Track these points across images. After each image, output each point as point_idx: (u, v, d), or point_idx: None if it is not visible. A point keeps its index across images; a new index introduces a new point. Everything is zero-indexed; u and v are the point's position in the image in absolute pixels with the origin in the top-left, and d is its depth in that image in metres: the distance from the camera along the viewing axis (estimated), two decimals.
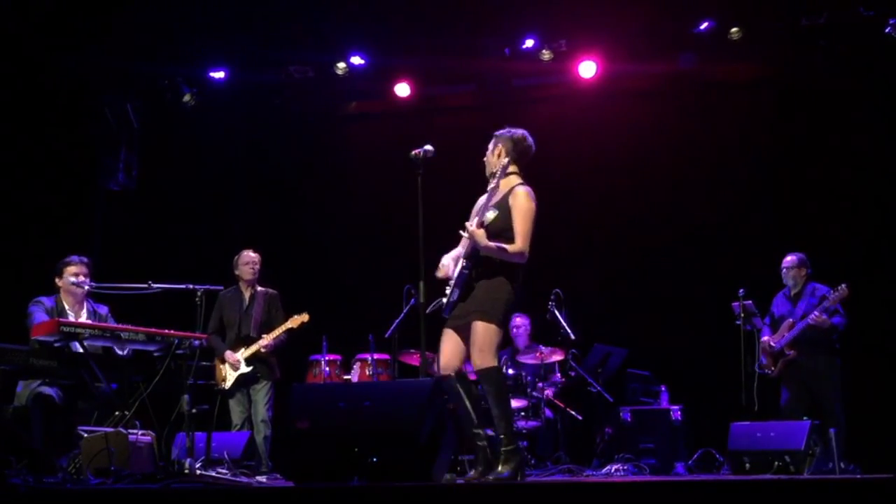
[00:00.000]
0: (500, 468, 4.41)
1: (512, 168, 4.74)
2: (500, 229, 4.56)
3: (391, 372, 6.93)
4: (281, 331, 6.77)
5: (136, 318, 5.81)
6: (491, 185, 4.73)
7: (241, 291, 6.92)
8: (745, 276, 7.03)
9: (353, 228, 8.77)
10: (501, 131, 4.83)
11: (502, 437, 4.46)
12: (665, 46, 8.20)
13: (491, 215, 4.58)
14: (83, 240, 7.98)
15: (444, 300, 4.61)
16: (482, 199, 4.78)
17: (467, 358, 4.58)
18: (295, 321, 6.80)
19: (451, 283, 4.59)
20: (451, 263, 4.67)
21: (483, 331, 4.49)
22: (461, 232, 4.56)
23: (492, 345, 4.50)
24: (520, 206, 4.60)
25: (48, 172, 7.93)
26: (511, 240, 4.56)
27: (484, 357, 4.48)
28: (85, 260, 5.87)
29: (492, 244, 4.51)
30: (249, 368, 6.71)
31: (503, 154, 4.75)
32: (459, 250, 4.71)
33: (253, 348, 6.70)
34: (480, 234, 4.50)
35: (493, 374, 4.51)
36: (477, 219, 4.55)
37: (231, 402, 6.74)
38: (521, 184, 4.67)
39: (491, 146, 4.82)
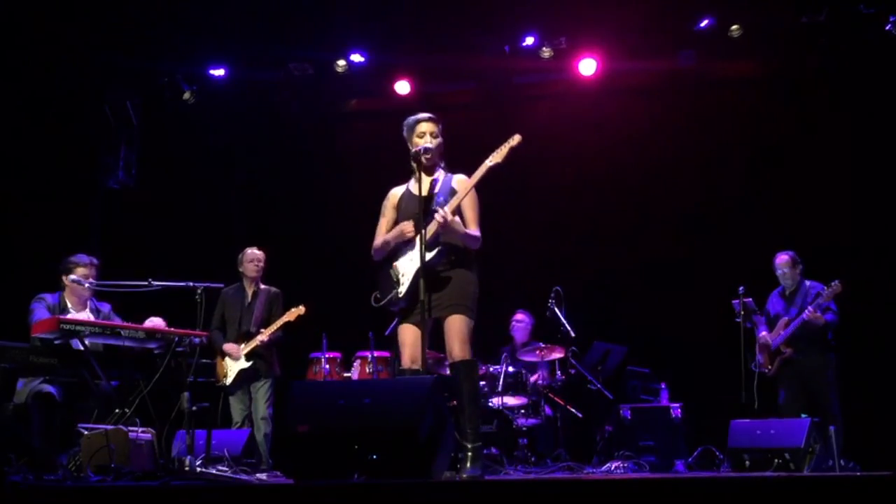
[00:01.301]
0: (469, 465, 4.43)
1: None
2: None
3: (391, 369, 6.94)
4: (278, 325, 6.82)
5: (136, 316, 5.82)
6: (427, 173, 4.71)
7: (244, 288, 6.97)
8: (745, 274, 7.03)
9: (352, 226, 8.74)
10: (433, 115, 4.82)
11: (471, 431, 4.47)
12: (665, 44, 8.20)
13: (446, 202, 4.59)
14: (83, 237, 7.98)
15: (398, 291, 4.60)
16: (399, 191, 4.78)
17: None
18: (292, 314, 6.86)
19: (407, 275, 4.58)
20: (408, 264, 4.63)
21: (463, 324, 4.55)
22: (437, 218, 4.48)
23: (470, 337, 4.57)
24: (470, 193, 4.64)
25: (48, 170, 7.93)
26: (464, 226, 4.60)
27: (465, 349, 4.54)
28: (95, 262, 5.88)
29: (464, 230, 4.56)
30: (249, 364, 6.74)
31: (440, 140, 4.78)
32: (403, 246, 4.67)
33: (252, 343, 6.74)
34: (457, 221, 4.54)
35: (473, 367, 4.60)
36: (448, 207, 4.52)
37: (232, 400, 6.77)
38: (458, 169, 4.74)
39: (435, 131, 4.78)
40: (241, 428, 6.66)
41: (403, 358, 4.63)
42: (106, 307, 5.96)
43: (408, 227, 4.63)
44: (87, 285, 5.77)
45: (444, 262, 4.57)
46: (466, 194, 4.60)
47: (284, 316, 6.85)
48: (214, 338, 6.74)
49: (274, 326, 6.80)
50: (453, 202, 4.56)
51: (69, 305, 5.78)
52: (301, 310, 6.87)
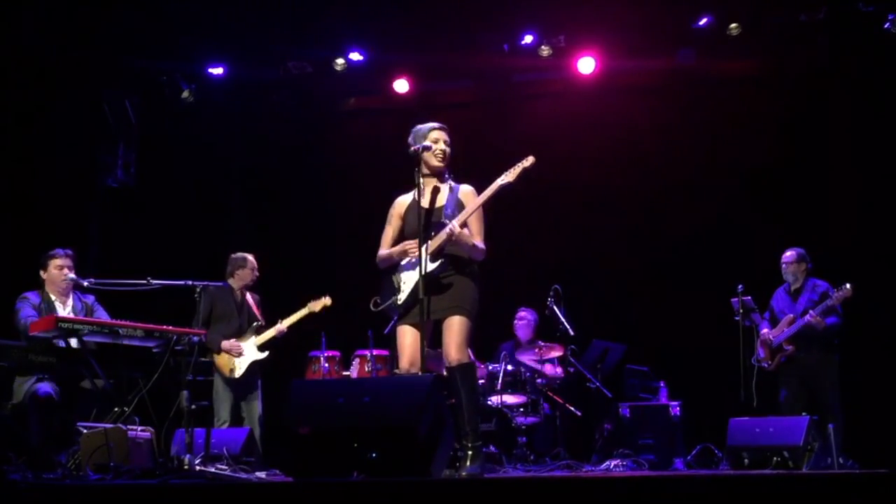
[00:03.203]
0: (469, 464, 4.44)
1: None
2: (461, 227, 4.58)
3: (390, 368, 6.95)
4: (301, 315, 6.90)
5: (135, 315, 5.82)
6: (432, 179, 4.73)
7: (234, 289, 6.98)
8: (745, 272, 7.04)
9: (351, 224, 8.77)
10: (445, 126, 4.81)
11: (471, 432, 4.49)
12: (664, 42, 8.20)
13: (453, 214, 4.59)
14: (81, 236, 7.97)
15: (397, 298, 4.63)
16: (405, 200, 4.75)
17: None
18: (318, 304, 6.93)
19: (408, 283, 4.61)
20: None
21: (462, 325, 4.56)
22: (447, 231, 4.49)
23: (468, 340, 4.59)
24: (475, 204, 4.64)
25: (46, 168, 7.92)
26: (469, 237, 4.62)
27: (462, 352, 4.55)
28: (69, 252, 5.90)
29: (472, 242, 4.57)
30: (265, 354, 6.79)
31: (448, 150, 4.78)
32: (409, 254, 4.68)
33: (270, 333, 6.79)
34: (466, 235, 4.55)
35: (471, 369, 4.61)
36: (457, 220, 4.54)
37: (223, 396, 6.73)
38: (461, 181, 4.74)
39: (448, 139, 4.76)
40: (229, 426, 6.67)
41: (402, 360, 4.64)
42: (90, 298, 5.98)
43: (411, 247, 4.64)
44: (70, 278, 5.75)
45: (445, 273, 4.59)
46: (476, 210, 4.60)
47: (309, 305, 6.92)
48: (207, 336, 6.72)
49: (296, 316, 6.87)
50: (462, 216, 4.57)
51: (53, 300, 5.78)
52: (327, 301, 6.94)
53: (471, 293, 4.64)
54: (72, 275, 5.78)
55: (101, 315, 5.84)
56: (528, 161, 4.61)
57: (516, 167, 4.61)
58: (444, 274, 4.59)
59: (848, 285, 6.42)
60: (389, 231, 4.85)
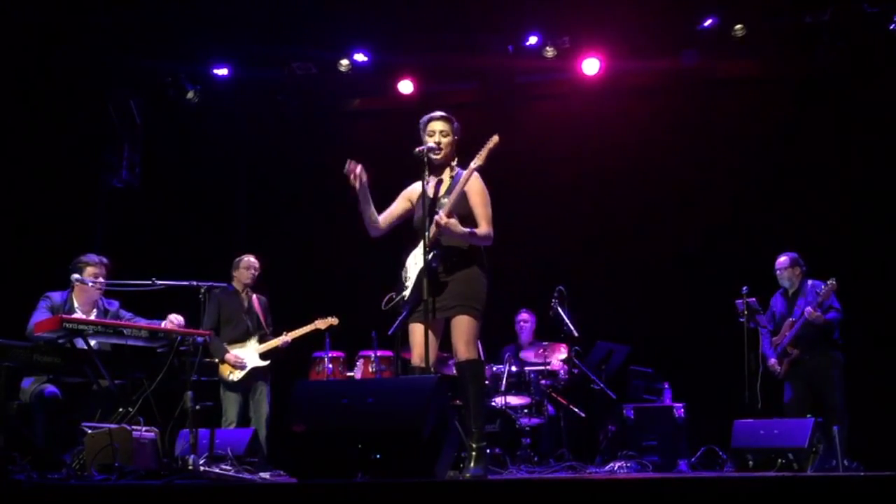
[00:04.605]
0: (473, 465, 4.42)
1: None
2: (462, 216, 4.55)
3: (394, 369, 6.95)
4: (307, 330, 6.98)
5: (140, 315, 5.83)
6: (437, 172, 4.73)
7: (239, 292, 6.99)
8: (749, 273, 7.03)
9: (355, 225, 8.75)
10: (446, 114, 4.80)
11: (475, 431, 4.47)
12: (668, 43, 8.19)
13: (447, 201, 4.56)
14: (87, 236, 7.99)
15: (404, 294, 4.61)
16: (419, 187, 4.68)
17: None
18: (325, 322, 7.03)
19: (412, 278, 4.58)
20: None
21: (469, 324, 4.53)
22: (436, 219, 4.45)
23: (476, 337, 4.57)
24: (478, 190, 4.62)
25: (51, 169, 7.93)
26: (473, 225, 4.57)
27: (470, 349, 4.53)
28: (105, 261, 5.83)
29: (465, 230, 4.50)
30: (266, 363, 6.84)
31: (452, 139, 4.76)
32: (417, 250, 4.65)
33: (274, 343, 6.86)
34: (454, 224, 4.48)
35: (479, 367, 4.60)
36: (444, 210, 4.49)
37: (231, 396, 6.79)
38: (466, 168, 4.67)
39: (446, 129, 4.74)
40: (237, 427, 6.69)
41: (413, 356, 4.65)
42: (114, 305, 5.95)
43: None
44: (90, 284, 5.71)
45: (444, 265, 4.55)
46: (456, 197, 4.54)
47: (315, 322, 7.02)
48: (213, 343, 6.73)
49: (302, 331, 6.96)
50: (447, 205, 4.53)
51: (76, 305, 5.73)
52: (334, 321, 7.04)
53: (477, 288, 4.58)
54: (102, 284, 5.71)
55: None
56: (493, 141, 4.59)
57: (482, 151, 4.59)
58: (444, 269, 4.55)
59: (832, 280, 6.46)
60: (391, 207, 4.88)
